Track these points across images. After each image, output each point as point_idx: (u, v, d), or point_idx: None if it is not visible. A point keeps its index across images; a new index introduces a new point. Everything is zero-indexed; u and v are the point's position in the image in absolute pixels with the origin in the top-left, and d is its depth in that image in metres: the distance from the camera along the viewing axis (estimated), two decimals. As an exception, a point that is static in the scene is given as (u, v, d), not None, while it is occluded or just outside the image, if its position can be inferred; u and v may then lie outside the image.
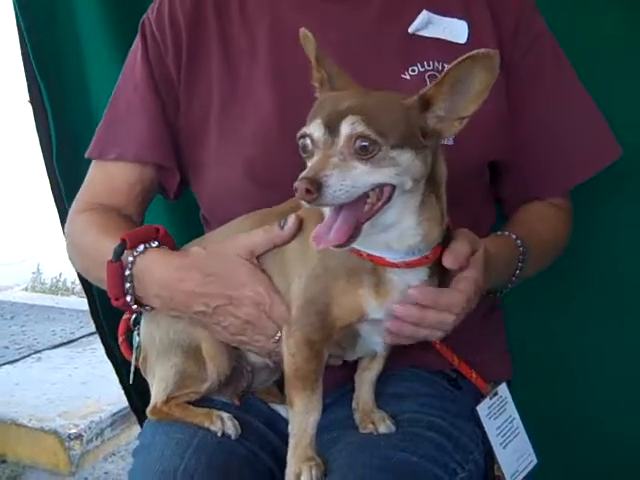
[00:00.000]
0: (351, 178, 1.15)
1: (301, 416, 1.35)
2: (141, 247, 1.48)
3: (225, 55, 1.67)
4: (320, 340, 1.34)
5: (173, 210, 2.09)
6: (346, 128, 1.17)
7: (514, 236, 1.59)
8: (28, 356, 4.43)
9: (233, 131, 1.63)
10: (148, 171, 1.71)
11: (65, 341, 4.71)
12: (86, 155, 1.75)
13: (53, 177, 2.26)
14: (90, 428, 3.52)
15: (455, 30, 1.64)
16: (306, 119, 1.24)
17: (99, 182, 1.74)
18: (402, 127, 1.20)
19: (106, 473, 3.49)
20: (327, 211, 1.24)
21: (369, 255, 1.28)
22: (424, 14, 1.63)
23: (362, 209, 1.19)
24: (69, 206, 1.80)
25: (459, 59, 1.19)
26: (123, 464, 3.50)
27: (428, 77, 1.59)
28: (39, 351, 4.53)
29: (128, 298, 1.48)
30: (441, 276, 1.35)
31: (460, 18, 1.64)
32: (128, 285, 1.47)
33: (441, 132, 1.24)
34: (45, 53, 2.19)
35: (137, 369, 1.61)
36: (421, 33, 1.63)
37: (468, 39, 1.63)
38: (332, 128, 1.18)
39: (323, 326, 1.33)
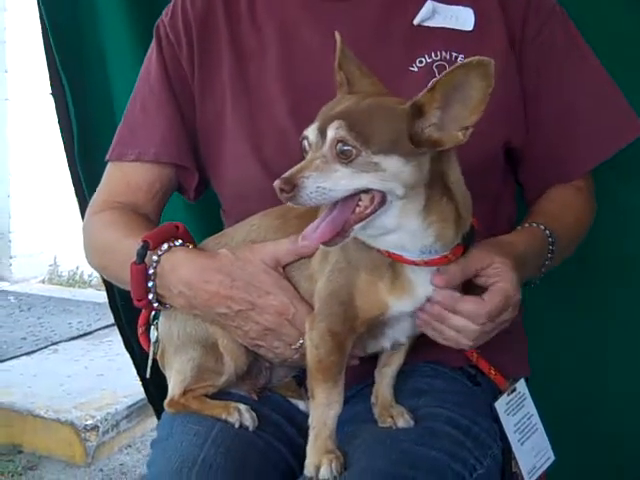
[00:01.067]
0: (330, 181, 1.19)
1: (322, 408, 1.36)
2: (165, 246, 1.49)
3: (235, 55, 1.69)
4: (343, 332, 1.35)
5: (192, 207, 2.10)
6: (331, 132, 1.21)
7: (542, 227, 1.57)
8: (45, 348, 4.48)
9: (248, 129, 1.65)
10: (167, 171, 1.72)
11: (82, 333, 4.75)
12: (107, 158, 1.76)
13: (74, 170, 2.28)
14: (106, 420, 3.55)
15: (461, 18, 1.63)
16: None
17: (117, 182, 1.75)
18: (388, 133, 1.21)
19: (121, 464, 3.51)
20: None
21: (388, 252, 1.30)
22: (429, 4, 1.63)
23: (352, 212, 1.22)
24: (90, 199, 1.80)
25: (451, 67, 1.20)
26: (139, 456, 3.52)
27: (436, 67, 1.59)
28: (56, 343, 4.57)
29: (150, 296, 1.49)
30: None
31: (466, 5, 1.64)
32: (151, 284, 1.48)
33: (441, 141, 1.23)
34: (68, 48, 2.22)
35: (155, 362, 1.61)
36: (427, 24, 1.63)
37: (475, 26, 1.62)
38: (322, 132, 1.22)
39: (346, 317, 1.34)
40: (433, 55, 1.60)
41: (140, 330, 1.62)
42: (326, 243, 1.23)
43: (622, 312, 2.04)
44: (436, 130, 1.23)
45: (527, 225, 1.58)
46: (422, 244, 1.29)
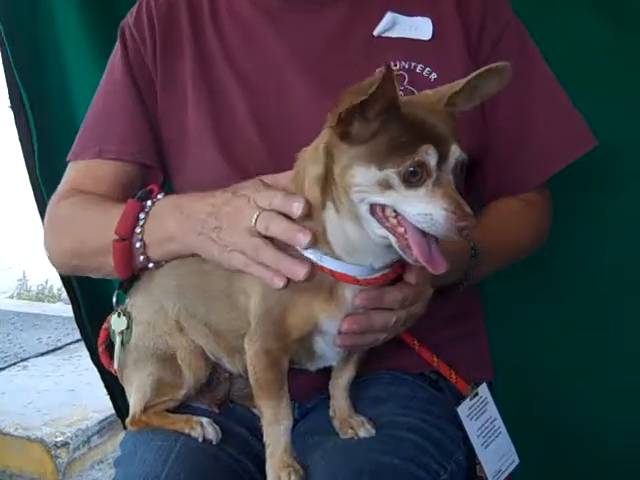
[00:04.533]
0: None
1: (272, 426, 1.36)
2: (160, 195, 1.50)
3: (198, 58, 1.70)
4: (277, 349, 1.35)
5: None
6: (454, 156, 1.18)
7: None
8: (14, 364, 4.42)
9: (212, 132, 1.65)
10: (131, 168, 1.71)
11: (51, 349, 4.70)
12: (67, 159, 1.75)
13: (35, 183, 2.26)
14: (77, 436, 3.52)
15: (419, 27, 1.64)
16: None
17: (81, 176, 1.72)
18: None
19: (93, 481, 3.48)
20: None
21: (331, 271, 1.29)
22: (389, 15, 1.64)
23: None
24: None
25: (479, 70, 1.23)
26: (111, 472, 3.48)
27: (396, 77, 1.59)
28: (25, 359, 4.51)
29: (138, 230, 1.47)
30: None
31: (424, 15, 1.65)
32: (142, 216, 1.47)
33: None
34: (26, 59, 2.20)
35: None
36: (387, 34, 1.65)
37: (433, 35, 1.64)
38: (442, 153, 1.17)
39: (279, 335, 1.34)
40: (392, 65, 1.60)
41: (100, 348, 1.62)
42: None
43: (579, 314, 2.06)
44: None
45: None
46: (384, 261, 1.28)
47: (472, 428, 1.57)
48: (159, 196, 1.50)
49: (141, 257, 1.50)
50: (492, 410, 1.62)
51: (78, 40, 2.22)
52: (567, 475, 2.13)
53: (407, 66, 1.61)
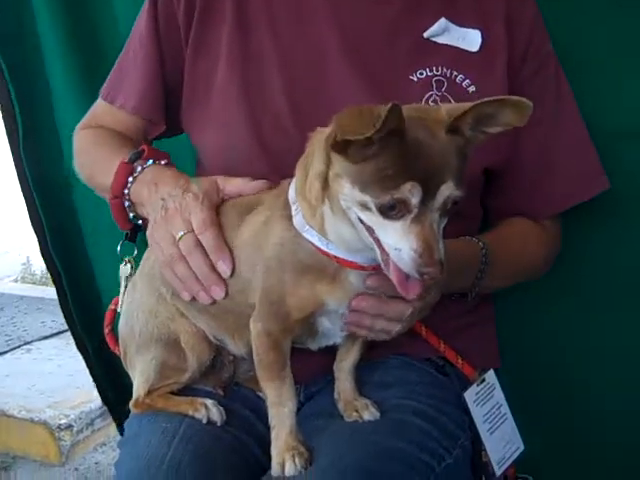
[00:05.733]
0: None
1: (276, 407, 1.37)
2: (150, 161, 1.57)
3: (239, 21, 1.66)
4: (278, 330, 1.35)
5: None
6: (444, 193, 1.14)
7: (477, 240, 1.56)
8: (18, 347, 4.41)
9: (241, 97, 1.63)
10: (142, 123, 1.79)
11: (55, 332, 4.68)
12: (100, 96, 1.83)
13: (21, 170, 2.29)
14: (80, 418, 3.51)
15: (469, 38, 1.64)
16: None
17: (105, 113, 1.83)
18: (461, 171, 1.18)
19: (97, 463, 3.48)
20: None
21: (337, 258, 1.28)
22: (442, 21, 1.63)
23: None
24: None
25: (490, 98, 1.17)
26: (114, 454, 3.48)
27: (435, 82, 1.59)
28: (29, 342, 4.50)
29: (125, 191, 1.57)
30: None
31: (475, 27, 1.64)
32: (130, 179, 1.56)
33: None
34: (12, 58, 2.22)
35: (110, 367, 1.64)
36: (435, 39, 1.64)
37: (480, 48, 1.63)
38: (429, 193, 1.13)
39: (279, 316, 1.34)
40: (434, 69, 1.60)
41: (107, 330, 1.64)
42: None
43: (587, 305, 2.05)
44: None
45: (464, 237, 1.57)
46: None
47: (478, 414, 1.56)
48: (149, 162, 1.58)
49: (131, 214, 1.60)
50: (499, 396, 1.61)
51: (56, 33, 2.24)
52: (569, 462, 2.13)
53: (448, 74, 1.60)
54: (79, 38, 2.23)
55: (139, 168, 1.57)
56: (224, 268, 1.40)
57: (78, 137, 1.85)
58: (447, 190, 1.14)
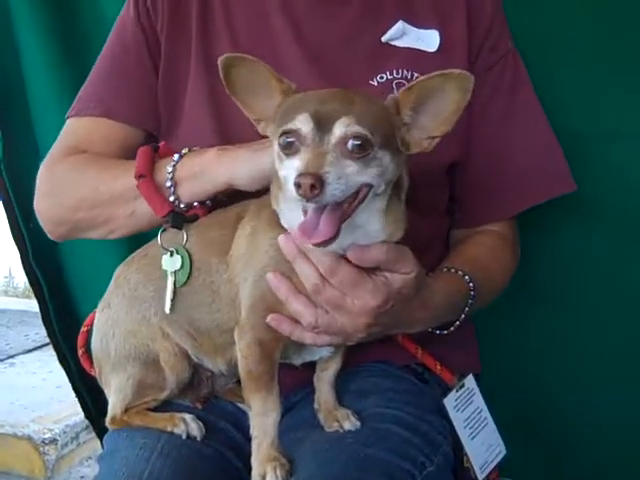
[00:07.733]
0: (345, 177, 1.14)
1: (260, 418, 1.35)
2: (176, 156, 1.49)
3: (202, 34, 1.67)
4: (269, 340, 1.34)
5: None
6: (340, 128, 1.15)
7: (467, 278, 1.53)
8: (1, 361, 4.38)
9: (209, 109, 1.63)
10: (134, 134, 1.69)
11: (38, 345, 4.66)
12: (67, 115, 1.72)
13: (0, 180, 2.25)
14: (65, 432, 3.48)
15: (427, 39, 1.65)
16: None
17: (87, 131, 1.69)
18: (384, 128, 1.19)
19: (82, 477, 3.46)
20: (291, 212, 1.24)
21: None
22: (400, 24, 1.64)
23: (342, 208, 1.17)
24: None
25: (432, 73, 1.20)
26: (99, 468, 3.47)
27: (395, 85, 1.59)
28: (12, 356, 4.48)
29: (171, 198, 1.47)
30: None
31: (434, 28, 1.65)
32: (170, 168, 1.47)
33: (409, 145, 1.24)
34: None
35: (91, 379, 1.60)
36: (394, 43, 1.64)
37: (439, 47, 1.64)
38: (323, 126, 1.15)
39: (271, 325, 1.33)
40: (395, 73, 1.61)
41: (80, 351, 1.62)
42: (332, 239, 1.15)
43: (575, 308, 2.06)
44: (406, 131, 1.23)
45: (453, 271, 1.55)
46: (349, 240, 1.25)
47: (459, 419, 1.56)
48: (172, 162, 1.49)
49: (172, 197, 1.48)
50: (479, 401, 1.61)
51: (34, 38, 2.20)
52: (553, 464, 2.13)
53: (409, 76, 1.61)
54: (58, 33, 2.18)
55: (168, 183, 1.47)
56: None
57: (48, 174, 1.66)
58: (343, 126, 1.15)
